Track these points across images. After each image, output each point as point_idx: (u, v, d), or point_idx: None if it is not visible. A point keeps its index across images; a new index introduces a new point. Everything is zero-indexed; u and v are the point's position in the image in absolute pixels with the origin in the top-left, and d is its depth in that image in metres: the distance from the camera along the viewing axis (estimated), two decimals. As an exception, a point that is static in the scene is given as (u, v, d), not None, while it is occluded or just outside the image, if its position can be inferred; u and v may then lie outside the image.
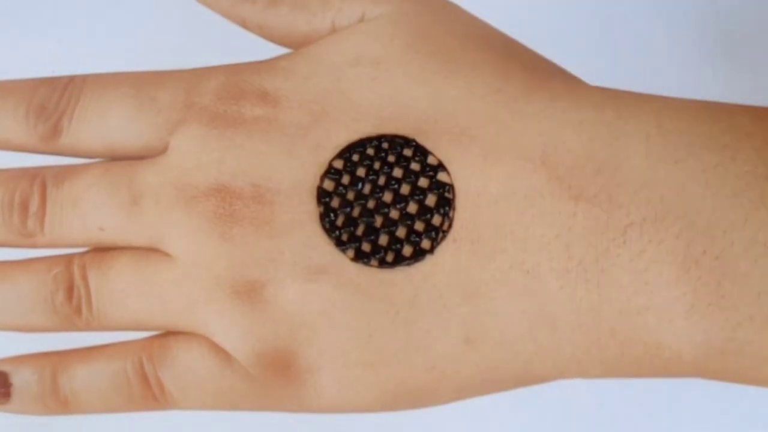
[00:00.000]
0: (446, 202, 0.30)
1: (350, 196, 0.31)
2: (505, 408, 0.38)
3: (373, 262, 0.31)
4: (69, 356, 0.34)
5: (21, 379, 0.33)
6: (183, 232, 0.32)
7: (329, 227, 0.31)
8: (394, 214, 0.31)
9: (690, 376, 0.30)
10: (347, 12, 0.33)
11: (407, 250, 0.30)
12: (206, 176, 0.32)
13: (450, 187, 0.30)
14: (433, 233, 0.30)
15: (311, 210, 0.31)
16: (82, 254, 0.33)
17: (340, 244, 0.31)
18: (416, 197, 0.31)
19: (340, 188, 0.31)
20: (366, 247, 0.31)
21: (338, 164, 0.31)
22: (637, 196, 0.29)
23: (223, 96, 0.32)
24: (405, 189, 0.31)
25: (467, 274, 0.30)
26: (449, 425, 0.38)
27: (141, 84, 0.33)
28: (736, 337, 0.28)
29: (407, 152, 0.31)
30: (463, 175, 0.30)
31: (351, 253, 0.31)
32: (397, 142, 0.31)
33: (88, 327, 0.33)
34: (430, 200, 0.31)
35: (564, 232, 0.29)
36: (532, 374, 0.31)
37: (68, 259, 0.33)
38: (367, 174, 0.31)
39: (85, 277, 0.33)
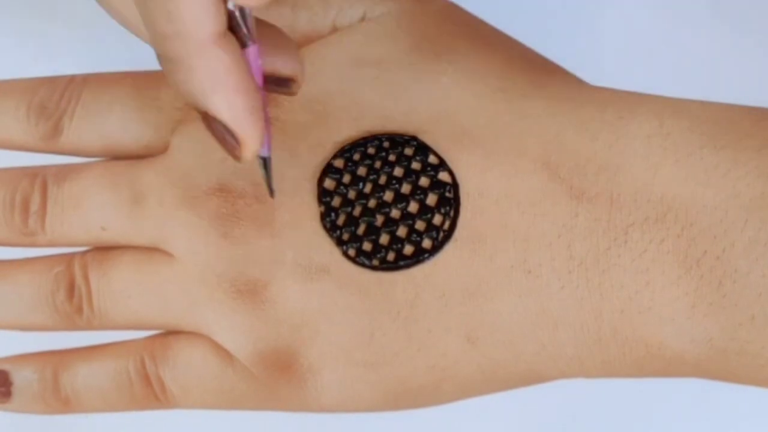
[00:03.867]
0: (447, 201, 0.30)
1: (351, 195, 0.31)
2: (505, 408, 0.38)
3: (375, 261, 0.31)
4: (70, 355, 0.34)
5: (22, 378, 0.33)
6: (184, 231, 0.32)
7: (330, 226, 0.31)
8: (395, 213, 0.31)
9: (691, 376, 0.30)
10: (348, 11, 0.33)
11: (408, 250, 0.30)
12: (208, 176, 0.32)
13: (451, 187, 0.30)
14: (434, 233, 0.30)
15: (312, 209, 0.31)
16: (84, 253, 0.33)
17: (341, 243, 0.31)
18: (417, 196, 0.31)
19: (341, 187, 0.31)
20: (367, 246, 0.31)
21: (339, 163, 0.31)
22: (639, 196, 0.29)
23: (224, 95, 0.32)
24: (406, 188, 0.31)
25: (468, 273, 0.30)
26: (450, 425, 0.38)
27: (142, 84, 0.33)
28: (738, 337, 0.28)
29: (408, 151, 0.31)
30: (465, 174, 0.30)
31: (352, 252, 0.31)
32: (398, 141, 0.31)
33: (89, 326, 0.33)
34: (431, 200, 0.31)
35: (565, 232, 0.29)
36: (534, 374, 0.31)
37: (69, 258, 0.33)
38: (368, 173, 0.31)
39: (86, 277, 0.33)
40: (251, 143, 0.26)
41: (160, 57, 0.26)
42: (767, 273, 0.28)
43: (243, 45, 0.26)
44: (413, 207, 0.31)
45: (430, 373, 0.31)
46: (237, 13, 0.26)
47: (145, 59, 0.35)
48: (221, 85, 0.25)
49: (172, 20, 0.24)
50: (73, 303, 0.33)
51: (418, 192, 0.31)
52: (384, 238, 0.31)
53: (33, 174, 0.33)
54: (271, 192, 0.30)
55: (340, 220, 0.31)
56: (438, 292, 0.30)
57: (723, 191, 0.28)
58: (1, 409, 0.34)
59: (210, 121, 0.26)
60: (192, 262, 0.31)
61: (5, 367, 0.34)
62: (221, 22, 0.25)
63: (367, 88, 0.32)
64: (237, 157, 0.27)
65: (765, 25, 0.40)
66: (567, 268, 0.29)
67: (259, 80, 0.27)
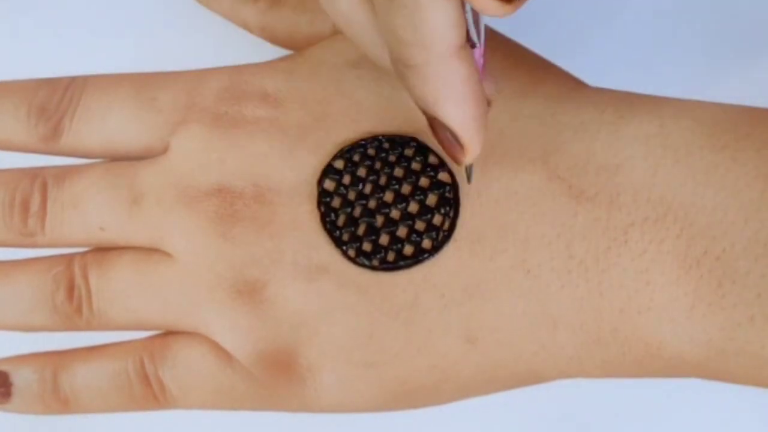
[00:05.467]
0: (447, 201, 0.30)
1: (351, 196, 0.31)
2: (505, 408, 0.38)
3: (374, 261, 0.31)
4: (70, 356, 0.34)
5: (21, 378, 0.33)
6: (184, 232, 0.32)
7: (330, 227, 0.31)
8: (395, 213, 0.31)
9: (691, 376, 0.30)
10: (349, 13, 0.33)
11: (408, 250, 0.31)
12: (207, 176, 0.32)
13: (451, 187, 0.30)
14: (434, 233, 0.30)
15: (312, 210, 0.31)
16: (83, 254, 0.33)
17: (340, 243, 0.31)
18: (417, 197, 0.31)
19: (341, 188, 0.31)
20: (367, 246, 0.31)
21: (339, 164, 0.31)
22: (638, 196, 0.29)
23: (224, 97, 0.32)
24: (406, 189, 0.31)
25: (468, 273, 0.30)
26: (449, 425, 0.38)
27: (142, 85, 0.33)
28: (737, 337, 0.28)
29: (408, 152, 0.31)
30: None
31: (352, 252, 0.31)
32: (398, 141, 0.31)
33: (89, 326, 0.33)
34: (431, 200, 0.31)
35: (565, 231, 0.29)
36: (534, 374, 0.31)
37: (69, 258, 0.33)
38: (367, 174, 0.31)
39: (85, 277, 0.33)
40: (475, 149, 0.27)
41: (396, 61, 0.27)
42: (766, 273, 0.28)
43: (472, 45, 0.27)
44: (413, 207, 0.31)
45: (429, 374, 0.31)
46: (469, 15, 0.26)
47: (146, 61, 0.35)
48: (455, 95, 0.26)
49: (417, 31, 0.25)
50: (73, 303, 0.33)
51: (418, 192, 0.31)
52: (384, 239, 0.31)
53: (33, 175, 0.33)
54: (469, 179, 0.30)
55: (340, 221, 0.31)
56: (438, 293, 0.30)
57: (722, 191, 0.29)
58: (1, 410, 0.34)
59: (437, 126, 0.27)
60: (191, 263, 0.31)
61: (5, 367, 0.34)
62: (462, 34, 0.26)
63: (366, 90, 0.32)
64: (459, 161, 0.28)
65: (765, 25, 0.40)
66: (566, 268, 0.29)
67: (481, 77, 0.28)
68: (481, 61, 0.28)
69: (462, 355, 0.30)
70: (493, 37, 0.33)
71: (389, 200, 0.31)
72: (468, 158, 0.28)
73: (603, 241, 0.29)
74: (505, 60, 0.32)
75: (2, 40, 0.41)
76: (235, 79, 0.33)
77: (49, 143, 0.34)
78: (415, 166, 0.31)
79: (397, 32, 0.25)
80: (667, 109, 0.30)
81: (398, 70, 0.27)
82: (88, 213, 0.33)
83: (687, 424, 0.39)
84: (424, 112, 0.27)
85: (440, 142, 0.28)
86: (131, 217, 0.32)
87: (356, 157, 0.31)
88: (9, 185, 0.33)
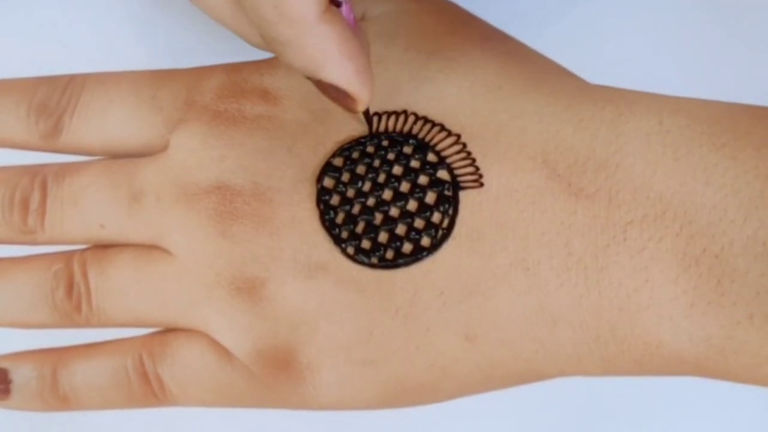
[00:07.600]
0: (446, 199, 0.30)
1: (350, 193, 0.31)
2: (503, 406, 0.38)
3: (373, 259, 0.31)
4: (69, 353, 0.34)
5: (21, 375, 0.34)
6: (183, 229, 0.32)
7: (329, 225, 0.31)
8: (394, 211, 0.31)
9: (690, 374, 0.30)
10: (348, 10, 0.33)
11: (407, 248, 0.30)
12: (207, 174, 0.32)
13: (450, 185, 0.30)
14: (433, 231, 0.30)
15: (311, 207, 0.31)
16: (83, 251, 0.33)
17: (339, 241, 0.31)
18: (416, 195, 0.31)
19: (340, 186, 0.31)
20: (366, 244, 0.31)
21: (338, 162, 0.31)
22: (638, 194, 0.29)
23: (223, 94, 0.33)
24: (405, 186, 0.31)
25: (467, 271, 0.30)
26: (448, 423, 0.38)
27: (141, 83, 0.33)
28: (736, 336, 0.28)
29: (407, 150, 0.31)
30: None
31: (351, 250, 0.31)
32: (397, 139, 0.31)
33: (88, 324, 0.33)
34: (430, 197, 0.31)
35: (564, 229, 0.29)
36: (533, 372, 0.31)
37: (68, 256, 0.33)
38: (366, 171, 0.31)
39: (85, 274, 0.33)
40: (366, 98, 0.28)
41: (269, 40, 0.27)
42: (765, 272, 0.28)
43: (337, 4, 0.27)
44: (412, 205, 0.31)
45: (428, 372, 0.31)
46: None
47: (146, 59, 0.35)
48: (332, 57, 0.27)
49: (278, 8, 0.26)
50: (72, 301, 0.33)
51: (417, 190, 0.31)
52: (383, 236, 0.31)
53: (33, 172, 0.34)
54: (370, 125, 0.31)
55: (339, 219, 0.31)
56: (437, 291, 0.30)
57: (722, 189, 0.28)
58: (0, 407, 0.34)
59: (324, 87, 0.28)
60: (191, 260, 0.32)
61: (4, 364, 0.34)
62: (324, 1, 0.26)
63: None
64: (354, 111, 0.29)
65: (764, 25, 0.40)
66: (565, 266, 0.29)
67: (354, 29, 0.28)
68: (351, 15, 0.28)
69: (461, 353, 0.30)
70: (492, 36, 0.33)
71: (388, 198, 0.31)
72: (361, 106, 0.28)
73: (602, 238, 0.29)
74: (504, 58, 0.32)
75: (2, 39, 0.41)
76: (234, 76, 0.33)
77: (49, 141, 0.34)
78: (414, 163, 0.31)
79: (261, 14, 0.26)
80: (667, 107, 0.30)
81: (273, 48, 0.27)
82: (88, 210, 0.33)
83: (686, 424, 0.39)
84: (309, 78, 0.28)
85: (331, 98, 0.28)
86: (131, 214, 0.32)
87: (355, 155, 0.31)
88: (9, 183, 0.33)
